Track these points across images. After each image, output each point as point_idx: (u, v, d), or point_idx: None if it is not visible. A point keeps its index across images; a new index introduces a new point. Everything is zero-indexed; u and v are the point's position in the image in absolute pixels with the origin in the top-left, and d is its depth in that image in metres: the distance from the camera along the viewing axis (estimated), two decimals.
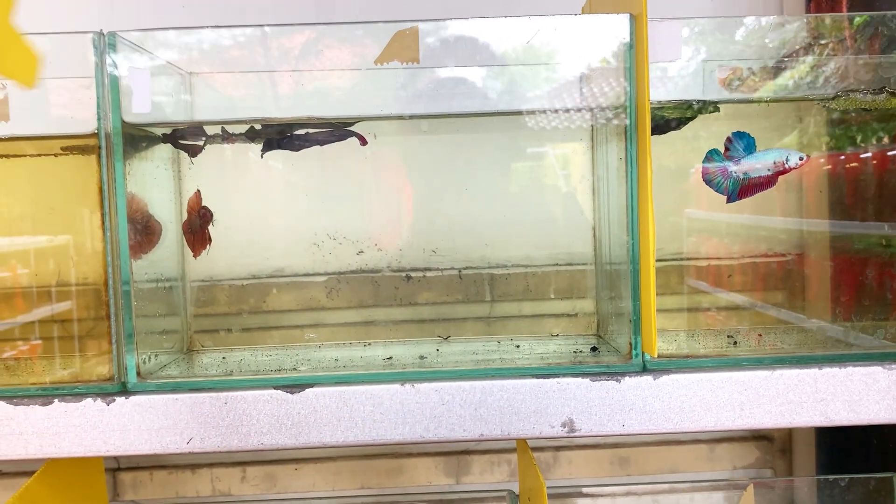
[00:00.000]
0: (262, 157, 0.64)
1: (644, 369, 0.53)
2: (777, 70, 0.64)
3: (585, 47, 0.59)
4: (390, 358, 0.61)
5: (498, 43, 0.61)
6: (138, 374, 0.54)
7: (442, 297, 0.68)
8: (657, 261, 0.60)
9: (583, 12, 0.69)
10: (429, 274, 0.68)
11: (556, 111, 0.64)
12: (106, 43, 0.53)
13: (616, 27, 0.54)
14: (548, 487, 0.57)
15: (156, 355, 0.60)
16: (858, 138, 0.65)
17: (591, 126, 0.66)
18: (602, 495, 0.75)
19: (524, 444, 0.62)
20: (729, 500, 0.76)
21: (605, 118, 0.61)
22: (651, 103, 0.53)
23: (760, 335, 0.64)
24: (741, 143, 0.59)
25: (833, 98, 0.62)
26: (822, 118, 0.66)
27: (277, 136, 0.63)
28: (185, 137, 0.63)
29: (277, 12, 0.83)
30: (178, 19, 0.83)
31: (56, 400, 0.51)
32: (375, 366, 0.59)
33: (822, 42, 0.63)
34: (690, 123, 0.62)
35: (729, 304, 0.68)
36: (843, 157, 0.66)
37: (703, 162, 0.59)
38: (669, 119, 0.62)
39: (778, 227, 0.68)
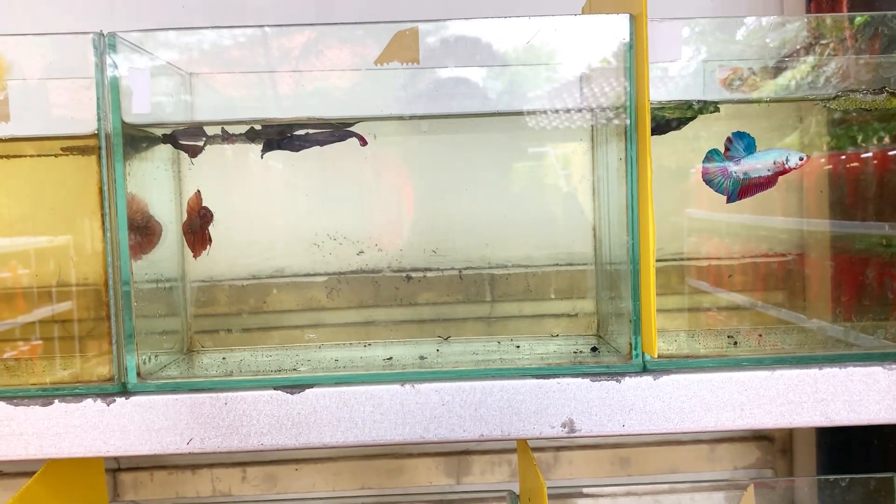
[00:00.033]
0: (262, 157, 0.64)
1: (644, 369, 0.53)
2: (777, 70, 0.64)
3: (585, 47, 0.59)
4: (390, 358, 0.61)
5: (498, 43, 0.61)
6: (138, 374, 0.54)
7: (442, 298, 0.68)
8: (657, 261, 0.60)
9: (583, 12, 0.69)
10: (429, 274, 0.68)
11: (557, 111, 0.64)
12: (106, 43, 0.53)
13: (616, 27, 0.54)
14: (548, 488, 0.57)
15: (156, 356, 0.60)
16: (859, 138, 0.65)
17: (592, 126, 0.66)
18: (602, 495, 0.75)
19: (524, 444, 0.62)
20: (729, 501, 0.76)
21: (605, 118, 0.61)
22: (651, 103, 0.53)
23: (761, 335, 0.64)
24: (741, 143, 0.59)
25: (833, 98, 0.62)
26: (822, 118, 0.66)
27: (277, 136, 0.63)
28: (186, 138, 0.63)
29: (277, 13, 0.83)
30: (178, 20, 0.83)
31: (56, 400, 0.51)
32: (375, 366, 0.59)
33: (823, 42, 0.62)
34: (691, 123, 0.62)
35: (729, 304, 0.68)
36: (843, 157, 0.66)
37: (704, 162, 0.59)
38: (670, 119, 0.61)
39: (778, 227, 0.68)
